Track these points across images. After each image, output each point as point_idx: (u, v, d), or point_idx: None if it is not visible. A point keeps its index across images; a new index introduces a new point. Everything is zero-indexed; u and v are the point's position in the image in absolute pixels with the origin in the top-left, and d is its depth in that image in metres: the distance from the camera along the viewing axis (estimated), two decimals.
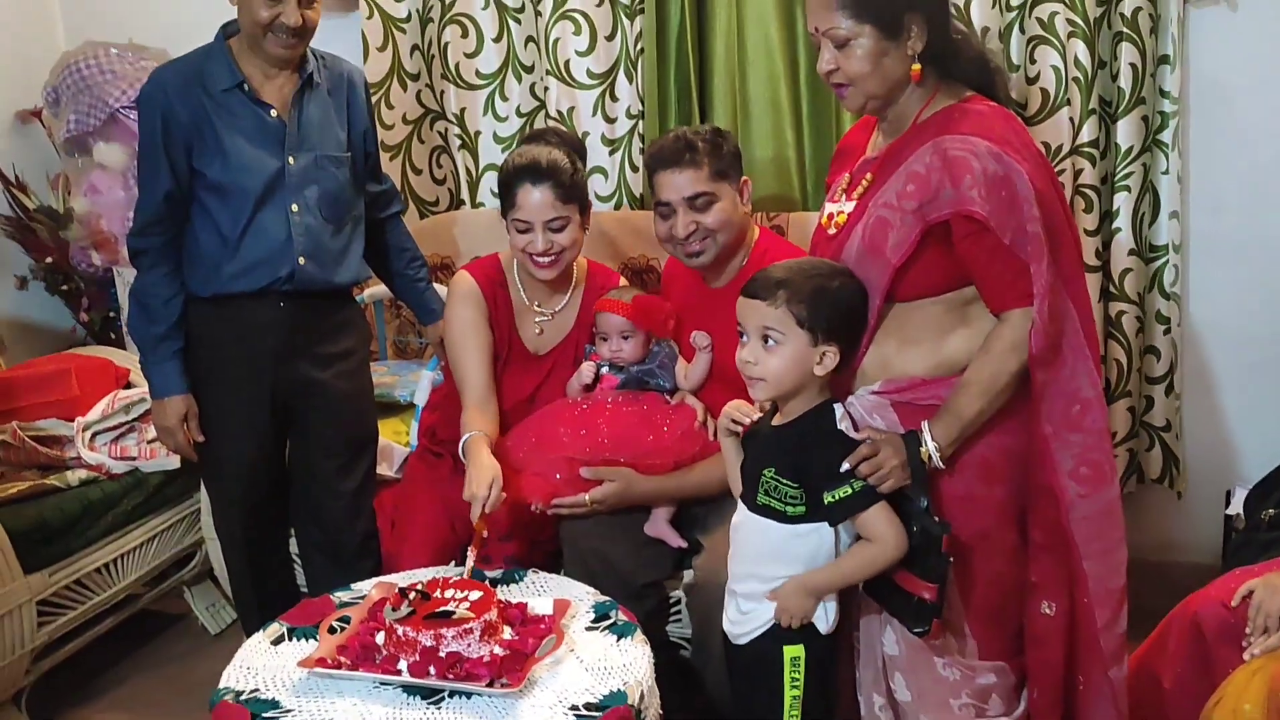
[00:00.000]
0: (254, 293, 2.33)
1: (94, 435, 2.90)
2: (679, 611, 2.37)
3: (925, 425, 1.82)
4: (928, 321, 1.86)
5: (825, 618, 1.86)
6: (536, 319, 2.46)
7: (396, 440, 2.82)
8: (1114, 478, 1.88)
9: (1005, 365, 1.79)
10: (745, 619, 1.91)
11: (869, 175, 1.92)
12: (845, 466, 1.79)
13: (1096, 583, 1.87)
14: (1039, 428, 1.83)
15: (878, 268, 1.84)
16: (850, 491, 1.79)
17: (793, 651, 1.86)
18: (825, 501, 1.79)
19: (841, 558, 1.84)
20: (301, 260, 2.33)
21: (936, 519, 1.82)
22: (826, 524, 1.82)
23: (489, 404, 2.37)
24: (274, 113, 2.31)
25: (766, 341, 1.81)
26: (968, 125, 1.81)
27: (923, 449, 1.81)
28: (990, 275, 1.80)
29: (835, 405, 1.86)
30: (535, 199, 2.32)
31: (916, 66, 1.84)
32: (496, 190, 2.42)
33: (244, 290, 2.32)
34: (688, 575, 2.30)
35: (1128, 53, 2.73)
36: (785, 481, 1.82)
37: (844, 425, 1.84)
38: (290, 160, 2.32)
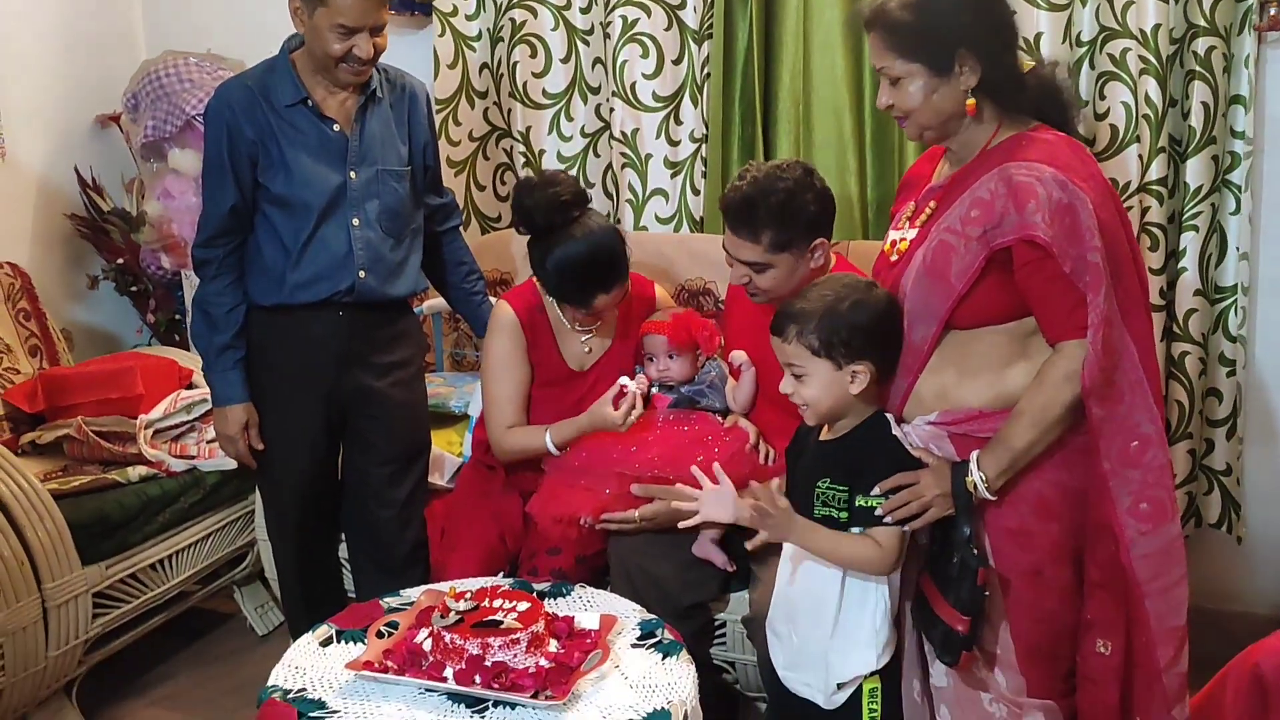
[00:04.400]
0: (315, 303, 2.36)
1: (155, 433, 2.96)
2: (724, 635, 2.37)
3: (974, 455, 1.81)
4: (989, 352, 1.85)
5: (876, 648, 1.85)
6: (582, 338, 2.48)
7: (449, 450, 2.84)
8: (1175, 514, 1.85)
9: (1058, 396, 1.77)
10: (801, 664, 1.91)
11: (933, 203, 1.92)
12: (876, 490, 1.80)
13: (1158, 621, 1.83)
14: (1097, 465, 1.80)
15: (940, 292, 1.83)
16: (881, 502, 1.80)
17: (870, 684, 1.87)
18: (857, 504, 1.81)
19: (839, 534, 1.83)
20: (361, 274, 2.36)
21: (975, 551, 1.80)
22: (881, 588, 1.84)
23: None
24: (336, 128, 2.34)
25: (797, 375, 1.85)
26: (1035, 153, 1.80)
27: (969, 479, 1.80)
28: (1048, 304, 1.78)
29: (886, 415, 1.87)
30: (605, 300, 2.37)
31: (971, 101, 1.84)
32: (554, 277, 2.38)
33: (306, 301, 2.35)
34: (744, 608, 2.29)
35: (1200, 91, 2.70)
36: (838, 487, 1.83)
37: (897, 432, 1.85)
38: (352, 175, 2.34)
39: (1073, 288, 1.74)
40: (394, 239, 2.41)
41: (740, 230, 2.20)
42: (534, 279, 2.50)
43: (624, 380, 2.33)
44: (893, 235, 2.00)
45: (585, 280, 2.33)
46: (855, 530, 1.82)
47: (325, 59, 2.26)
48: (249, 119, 2.30)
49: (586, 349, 2.49)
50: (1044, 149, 1.81)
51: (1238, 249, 2.79)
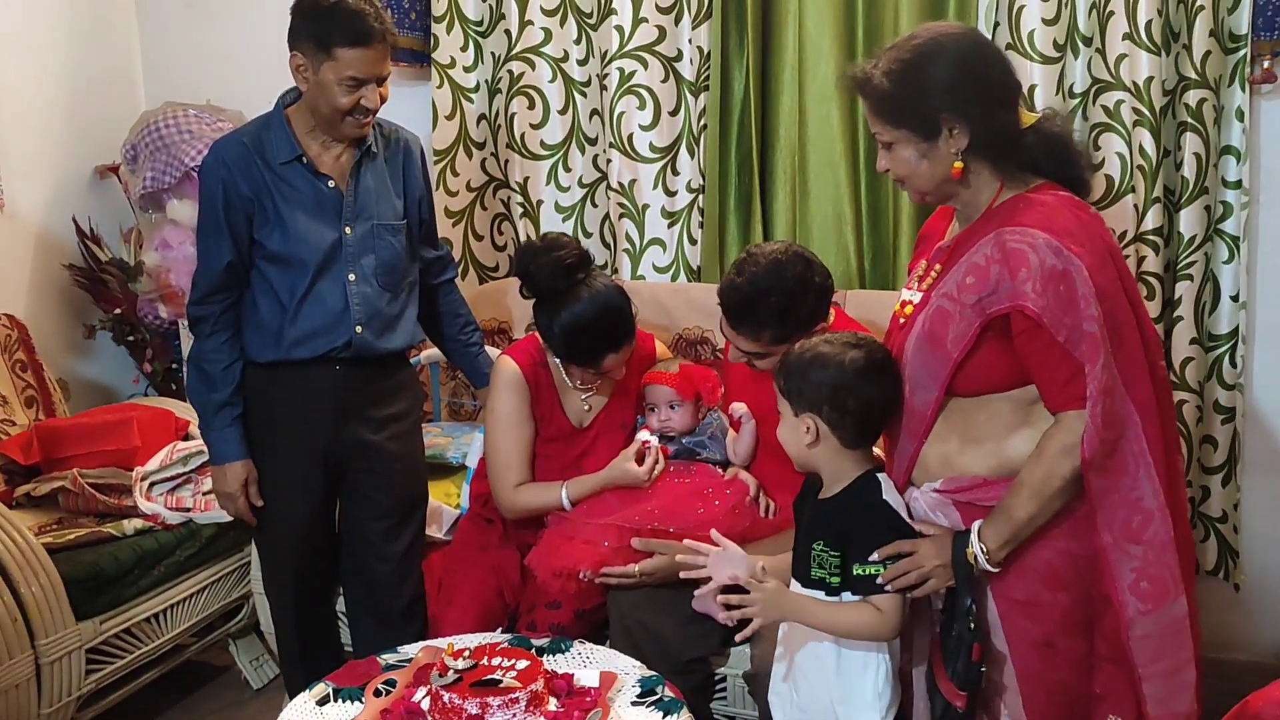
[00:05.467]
0: (312, 359, 2.35)
1: (151, 485, 2.94)
2: (724, 689, 2.35)
3: (976, 526, 1.77)
4: (992, 419, 1.80)
5: (880, 710, 1.83)
6: (583, 395, 2.49)
7: (447, 502, 2.83)
8: (1179, 594, 1.76)
9: (1057, 469, 1.71)
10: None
11: (938, 265, 1.88)
12: (874, 557, 1.78)
13: (1158, 706, 1.76)
14: (1098, 537, 1.74)
15: (938, 359, 1.79)
16: (881, 570, 1.78)
17: None
18: (854, 573, 1.78)
19: (834, 606, 1.81)
20: (358, 329, 2.35)
21: (973, 625, 1.76)
22: (881, 650, 1.83)
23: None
24: (331, 184, 2.34)
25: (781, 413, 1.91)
26: (1030, 217, 1.75)
27: (969, 549, 1.76)
28: (1045, 373, 1.73)
29: (879, 476, 1.85)
30: (615, 360, 2.39)
31: (959, 164, 1.80)
32: (563, 340, 2.38)
33: (302, 357, 2.34)
34: (745, 663, 2.27)
35: (1192, 143, 2.73)
36: (831, 552, 1.81)
37: (889, 496, 1.83)
38: (347, 231, 2.34)
39: (1069, 357, 1.69)
40: (390, 293, 2.41)
41: (741, 328, 2.24)
42: (535, 334, 2.51)
43: (644, 435, 2.34)
44: (904, 295, 1.95)
45: (595, 341, 2.34)
46: (849, 596, 1.80)
47: (331, 114, 2.27)
48: (245, 176, 2.30)
49: (586, 406, 2.50)
50: (1040, 212, 1.75)
51: (1232, 297, 2.81)
